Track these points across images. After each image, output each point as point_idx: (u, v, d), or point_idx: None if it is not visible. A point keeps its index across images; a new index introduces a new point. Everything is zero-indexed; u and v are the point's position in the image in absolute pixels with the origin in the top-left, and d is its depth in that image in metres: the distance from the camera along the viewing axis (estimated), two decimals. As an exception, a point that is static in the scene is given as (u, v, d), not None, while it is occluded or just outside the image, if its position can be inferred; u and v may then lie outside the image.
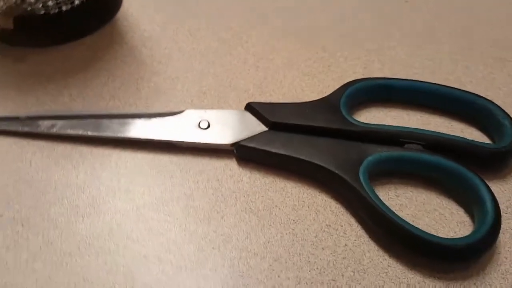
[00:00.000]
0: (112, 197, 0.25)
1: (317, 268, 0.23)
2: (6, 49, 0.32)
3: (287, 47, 0.33)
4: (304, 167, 0.26)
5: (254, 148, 0.26)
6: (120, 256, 0.23)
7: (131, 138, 0.27)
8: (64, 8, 0.31)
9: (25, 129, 0.27)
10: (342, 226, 0.24)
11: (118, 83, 0.30)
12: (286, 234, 0.24)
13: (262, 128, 0.27)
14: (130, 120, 0.28)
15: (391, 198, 0.25)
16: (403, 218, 0.23)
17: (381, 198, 0.24)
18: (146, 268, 0.23)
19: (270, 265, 0.23)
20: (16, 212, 0.24)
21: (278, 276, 0.23)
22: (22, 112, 0.28)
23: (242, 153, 0.27)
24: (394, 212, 0.23)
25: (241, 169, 0.27)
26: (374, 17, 0.36)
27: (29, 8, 0.30)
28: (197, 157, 0.27)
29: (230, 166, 0.27)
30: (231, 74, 0.31)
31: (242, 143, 0.26)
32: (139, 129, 0.27)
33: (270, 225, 0.24)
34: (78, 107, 0.29)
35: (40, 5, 0.31)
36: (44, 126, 0.27)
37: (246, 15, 0.35)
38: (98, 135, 0.27)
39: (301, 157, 0.25)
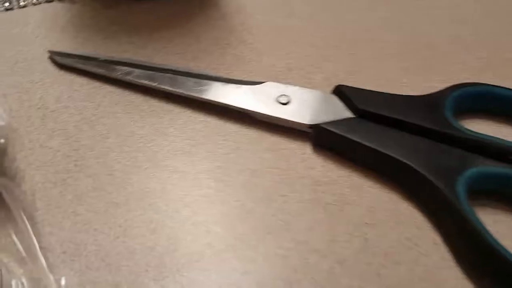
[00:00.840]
0: (173, 156, 0.23)
1: (386, 284, 0.19)
2: None
3: (388, 38, 0.30)
4: (390, 166, 0.22)
5: (334, 134, 0.23)
6: (168, 218, 0.21)
7: (204, 99, 0.25)
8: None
9: (101, 71, 0.26)
10: (425, 242, 0.21)
11: (203, 46, 0.29)
12: (356, 236, 0.21)
13: (348, 114, 0.24)
14: (207, 82, 0.26)
15: (488, 224, 0.21)
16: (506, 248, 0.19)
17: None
18: (192, 237, 0.20)
19: (332, 267, 0.20)
20: (73, 150, 0.23)
21: (339, 282, 0.19)
22: (103, 55, 0.28)
23: (320, 137, 0.24)
24: (494, 238, 0.19)
25: (315, 154, 0.24)
26: (493, 24, 0.31)
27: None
28: (269, 133, 0.24)
29: (304, 149, 0.24)
30: (322, 56, 0.29)
31: (322, 125, 0.23)
32: (214, 92, 0.25)
33: (339, 223, 0.21)
34: (158, 62, 0.28)
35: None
36: (120, 71, 0.26)
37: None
38: (172, 90, 0.25)
39: (389, 153, 0.22)
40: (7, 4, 0.30)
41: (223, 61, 0.28)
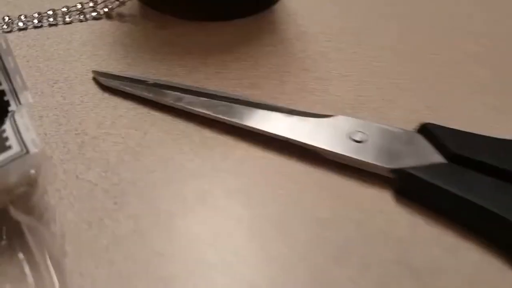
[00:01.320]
0: (226, 197, 0.20)
1: None
2: (150, 14, 0.29)
3: (478, 72, 0.26)
4: (495, 226, 0.18)
5: (424, 181, 0.19)
6: (219, 274, 0.17)
7: (264, 132, 0.22)
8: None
9: (149, 95, 0.23)
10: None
11: (261, 72, 0.26)
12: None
13: (437, 158, 0.20)
14: (267, 112, 0.22)
15: None
16: None
17: None
18: (250, 301, 0.17)
19: None
20: (112, 185, 0.20)
21: None
22: (152, 77, 0.25)
23: (405, 184, 0.20)
24: None
25: (398, 204, 0.20)
26: None
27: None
28: (341, 175, 0.21)
29: (384, 197, 0.20)
30: (399, 89, 0.25)
31: (408, 170, 0.20)
32: (276, 124, 0.22)
33: (432, 294, 0.17)
34: (212, 88, 0.25)
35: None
36: (170, 96, 0.23)
37: (434, 26, 0.29)
38: (227, 120, 0.22)
39: (493, 210, 0.18)
40: (51, 19, 0.28)
41: (284, 90, 0.25)
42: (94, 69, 0.25)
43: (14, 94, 0.18)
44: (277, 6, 0.30)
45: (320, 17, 0.30)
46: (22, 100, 0.18)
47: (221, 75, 0.25)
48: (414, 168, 0.20)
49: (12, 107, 0.18)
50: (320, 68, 0.26)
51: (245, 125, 0.22)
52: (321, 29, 0.29)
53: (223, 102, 0.23)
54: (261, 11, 0.30)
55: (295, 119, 0.22)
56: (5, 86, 0.18)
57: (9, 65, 0.18)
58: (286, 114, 0.22)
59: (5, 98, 0.18)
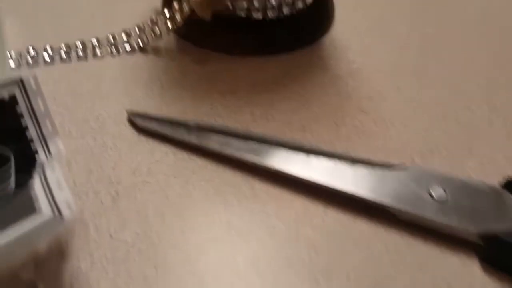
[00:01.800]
0: (282, 263, 0.17)
1: None
2: (188, 47, 0.27)
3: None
4: None
5: (523, 251, 0.16)
6: None
7: (324, 185, 0.19)
8: (270, 14, 0.26)
9: (193, 140, 0.21)
10: None
11: (313, 113, 0.23)
12: None
13: (535, 222, 0.17)
14: (325, 160, 0.20)
15: None
16: None
17: None
18: None
19: None
20: (151, 246, 0.17)
21: None
22: (192, 118, 0.22)
23: (496, 252, 0.17)
24: None
25: (488, 276, 0.17)
26: None
27: (231, 5, 0.25)
28: (418, 239, 0.18)
29: (470, 267, 0.17)
30: (471, 136, 0.22)
31: (502, 237, 0.16)
32: (335, 175, 0.19)
33: None
34: (259, 130, 0.22)
35: (245, 5, 0.25)
36: (214, 141, 0.21)
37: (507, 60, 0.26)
38: (280, 170, 0.19)
39: None
40: (80, 52, 0.25)
41: (339, 134, 0.22)
42: (128, 108, 0.22)
43: (43, 141, 0.16)
44: (325, 39, 0.28)
45: (373, 51, 0.27)
46: (52, 148, 0.15)
47: (269, 116, 0.23)
48: (507, 233, 0.17)
49: (41, 156, 0.15)
50: (378, 109, 0.23)
51: (301, 178, 0.19)
52: (375, 65, 0.26)
53: (274, 148, 0.20)
54: (308, 44, 0.27)
55: (357, 169, 0.19)
56: (32, 132, 0.16)
57: (39, 107, 0.16)
58: (347, 163, 0.19)
59: (33, 146, 0.15)
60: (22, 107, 0.15)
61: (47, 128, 0.16)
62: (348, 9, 0.30)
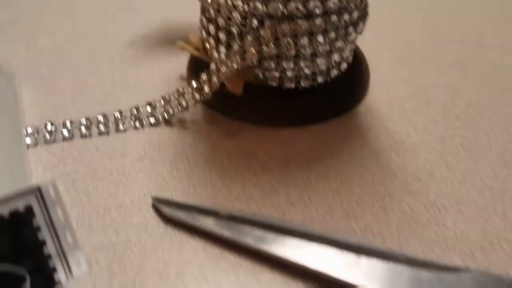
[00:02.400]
0: None
1: None
2: (216, 118, 0.25)
3: None
4: None
5: None
6: None
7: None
8: (303, 84, 0.24)
9: (223, 232, 0.19)
10: None
11: (355, 195, 0.21)
12: None
13: None
14: (381, 263, 0.17)
15: None
16: None
17: None
18: None
19: None
20: None
21: None
22: (222, 205, 0.20)
23: None
24: None
25: None
26: None
27: (262, 75, 0.23)
28: None
29: None
30: (537, 223, 0.20)
31: None
32: (395, 282, 0.17)
33: None
34: (297, 217, 0.20)
35: (277, 75, 0.24)
36: (249, 235, 0.18)
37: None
38: (326, 274, 0.17)
39: None
40: (101, 126, 0.24)
41: (388, 222, 0.20)
42: (153, 193, 0.20)
43: (63, 257, 0.14)
44: (360, 108, 0.26)
45: (415, 120, 0.25)
46: (73, 264, 0.14)
47: (306, 198, 0.21)
48: None
49: (60, 274, 0.14)
50: (427, 190, 0.21)
51: (352, 284, 0.17)
52: (419, 136, 0.24)
53: (318, 246, 0.18)
54: (344, 113, 0.25)
55: (417, 274, 0.17)
56: (51, 247, 0.14)
57: (58, 218, 0.14)
58: (404, 265, 0.17)
59: (51, 263, 0.14)
60: (39, 219, 0.14)
61: (67, 241, 0.14)
62: (384, 72, 0.28)
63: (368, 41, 0.27)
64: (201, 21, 0.25)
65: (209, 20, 0.24)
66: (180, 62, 0.28)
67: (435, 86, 0.27)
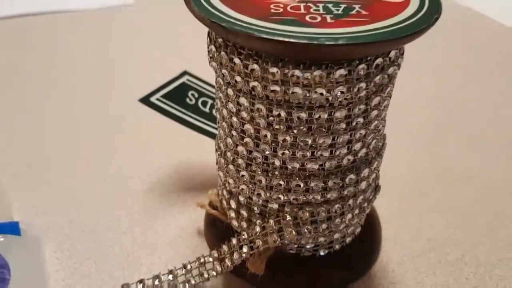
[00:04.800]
0: None
1: None
2: (237, 286, 0.26)
3: None
4: None
5: None
6: None
7: None
8: (320, 252, 0.25)
9: None
10: None
11: None
12: None
13: None
14: None
15: None
16: None
17: None
18: None
19: None
20: None
21: None
22: None
23: None
24: None
25: None
26: None
27: (288, 248, 0.24)
28: None
29: None
30: None
31: None
32: None
33: None
34: None
35: (295, 246, 0.25)
36: None
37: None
38: None
39: None
40: None
41: None
42: None
43: None
44: (375, 269, 0.27)
45: (428, 285, 0.26)
46: None
47: None
48: None
49: None
50: None
51: None
52: None
53: None
54: (360, 277, 0.26)
55: None
56: None
57: None
58: None
59: None
60: None
61: None
62: (394, 224, 0.29)
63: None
64: (220, 191, 0.26)
65: (230, 193, 0.25)
66: (197, 213, 0.29)
67: (445, 241, 0.28)
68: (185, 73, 0.30)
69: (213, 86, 0.31)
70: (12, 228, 0.25)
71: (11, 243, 0.25)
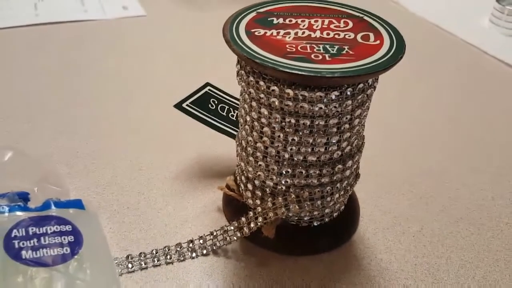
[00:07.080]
0: None
1: None
2: (251, 249, 0.33)
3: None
4: None
5: None
6: None
7: None
8: (315, 223, 0.33)
9: None
10: None
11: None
12: None
13: None
14: None
15: None
16: None
17: None
18: None
19: None
20: None
21: None
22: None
23: None
24: None
25: None
26: None
27: (291, 220, 0.32)
28: None
29: None
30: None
31: None
32: None
33: None
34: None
35: (295, 217, 0.33)
36: None
37: None
38: None
39: None
40: (168, 258, 0.32)
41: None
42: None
43: None
44: (355, 237, 0.35)
45: (395, 250, 0.34)
46: None
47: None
48: None
49: None
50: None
51: None
52: (398, 264, 0.33)
53: None
54: (343, 243, 0.34)
55: None
56: None
57: None
58: None
59: None
60: None
61: None
62: (370, 204, 0.37)
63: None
64: (238, 177, 0.34)
65: (247, 178, 0.33)
66: (216, 195, 0.37)
67: (408, 217, 0.37)
68: (207, 84, 0.38)
69: (228, 95, 0.39)
70: (77, 204, 0.33)
71: (78, 215, 0.32)
